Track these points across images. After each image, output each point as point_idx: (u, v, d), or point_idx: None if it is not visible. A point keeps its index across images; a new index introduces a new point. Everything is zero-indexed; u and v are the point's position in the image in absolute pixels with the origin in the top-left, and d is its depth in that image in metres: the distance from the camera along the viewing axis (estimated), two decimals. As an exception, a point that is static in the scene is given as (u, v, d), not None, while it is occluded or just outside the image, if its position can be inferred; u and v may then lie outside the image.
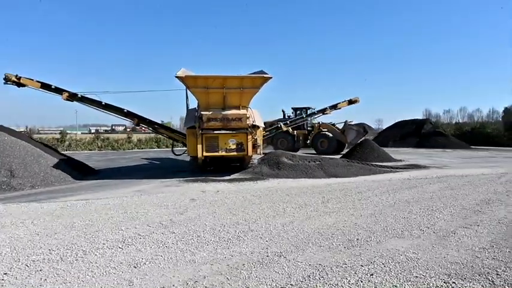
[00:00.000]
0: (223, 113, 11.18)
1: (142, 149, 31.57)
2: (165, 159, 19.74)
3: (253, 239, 5.12)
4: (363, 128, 21.66)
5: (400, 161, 16.56)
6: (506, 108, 40.57)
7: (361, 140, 19.63)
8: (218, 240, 5.08)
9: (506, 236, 5.22)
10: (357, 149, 16.85)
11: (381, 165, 13.18)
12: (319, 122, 23.21)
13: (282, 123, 16.87)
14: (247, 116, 11.19)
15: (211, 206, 7.29)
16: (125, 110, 12.63)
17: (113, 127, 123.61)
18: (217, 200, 7.88)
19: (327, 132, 22.39)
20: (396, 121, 34.49)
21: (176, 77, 10.77)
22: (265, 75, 11.13)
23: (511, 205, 7.11)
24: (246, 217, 6.34)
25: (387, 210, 6.77)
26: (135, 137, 34.99)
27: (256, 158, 12.78)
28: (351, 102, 17.27)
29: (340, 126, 22.55)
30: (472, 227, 5.66)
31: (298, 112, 23.24)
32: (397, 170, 12.87)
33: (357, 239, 5.09)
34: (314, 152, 22.27)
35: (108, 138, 33.36)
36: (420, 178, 10.93)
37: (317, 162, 12.08)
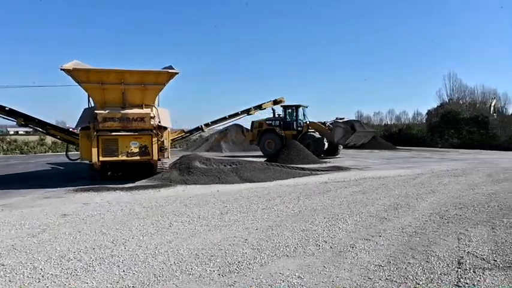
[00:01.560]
0: (123, 112, 9.88)
1: (57, 152, 28.52)
2: (76, 164, 17.68)
3: (107, 269, 4.04)
4: (350, 126, 19.18)
5: (326, 162, 16.38)
6: (429, 111, 43.46)
7: (348, 138, 18.59)
8: (58, 273, 3.93)
9: (406, 248, 4.71)
10: (282, 151, 16.38)
11: (303, 168, 12.74)
12: (306, 122, 21.11)
13: (203, 124, 15.81)
14: (152, 115, 10.01)
15: (82, 223, 6.05)
16: (7, 108, 10.74)
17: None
18: (95, 214, 6.64)
19: (313, 133, 20.22)
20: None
21: (62, 69, 9.26)
22: (170, 71, 10.05)
23: (418, 210, 6.79)
24: (117, 237, 5.22)
25: (288, 221, 6.06)
26: (49, 139, 31.62)
27: (168, 162, 11.62)
28: (276, 102, 16.76)
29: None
30: (373, 238, 5.11)
31: (289, 111, 21.23)
32: (318, 172, 12.49)
33: (238, 262, 4.24)
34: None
35: (15, 141, 29.73)
36: (338, 181, 10.55)
37: (233, 166, 11.24)
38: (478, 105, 41.01)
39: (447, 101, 42.74)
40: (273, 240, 5.07)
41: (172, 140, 14.56)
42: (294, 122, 21.00)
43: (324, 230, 5.54)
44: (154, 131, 10.10)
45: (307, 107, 21.98)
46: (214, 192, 8.93)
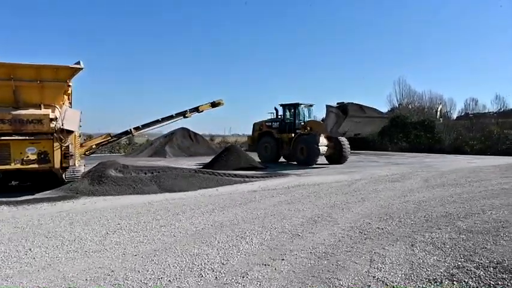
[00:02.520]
0: (15, 113, 8.47)
1: None
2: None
3: None
4: (342, 110, 14.74)
5: (266, 168, 15.59)
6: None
7: (341, 125, 14.62)
8: None
9: (308, 275, 3.92)
10: (221, 156, 15.42)
11: (236, 175, 11.82)
12: (304, 122, 18.15)
13: (132, 128, 14.50)
14: (52, 117, 8.67)
15: None
16: None
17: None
18: None
19: (308, 135, 17.06)
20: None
21: None
22: (71, 66, 8.78)
23: (339, 223, 6.05)
24: None
25: (182, 243, 5.08)
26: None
27: (82, 170, 10.27)
28: (214, 104, 15.74)
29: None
30: (273, 263, 4.26)
31: (288, 110, 18.83)
32: (253, 179, 11.64)
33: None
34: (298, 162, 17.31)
35: None
36: (268, 189, 9.75)
37: (154, 174, 10.11)
38: (426, 110, 42.36)
39: (397, 105, 43.81)
40: (148, 270, 4.07)
41: (97, 144, 13.19)
42: (292, 123, 18.49)
43: (218, 254, 4.62)
44: (55, 135, 8.76)
45: (311, 106, 19.26)
46: (118, 205, 7.76)
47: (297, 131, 17.92)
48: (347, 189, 9.59)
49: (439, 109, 40.77)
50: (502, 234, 4.96)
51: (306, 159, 16.78)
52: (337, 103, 15.14)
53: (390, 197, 8.42)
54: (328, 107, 15.12)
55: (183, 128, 26.91)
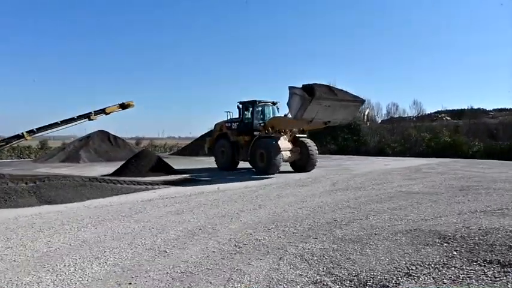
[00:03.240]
0: None
1: None
2: None
3: None
4: (307, 91, 12.15)
5: (184, 173, 14.95)
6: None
7: (306, 109, 12.05)
8: None
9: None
10: (131, 162, 14.48)
11: (138, 182, 11.04)
12: (263, 122, 15.81)
13: (25, 131, 13.03)
14: None
15: None
16: None
17: None
18: None
19: (269, 138, 14.64)
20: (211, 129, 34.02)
21: None
22: None
23: (218, 236, 5.67)
24: None
25: (15, 270, 4.33)
26: None
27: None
28: (123, 106, 14.72)
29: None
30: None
31: (245, 109, 16.49)
32: (155, 187, 10.95)
33: None
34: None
35: None
36: (166, 197, 9.16)
37: (37, 184, 9.02)
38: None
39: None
40: None
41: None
42: (250, 123, 16.16)
43: (54, 281, 3.97)
44: None
45: (275, 104, 16.88)
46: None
47: (256, 132, 15.61)
48: (250, 196, 9.30)
49: (366, 113, 42.88)
50: (370, 243, 4.88)
51: (265, 167, 14.27)
52: (303, 85, 12.56)
53: (289, 203, 8.26)
54: (291, 88, 12.74)
55: (101, 131, 25.25)
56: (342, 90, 13.36)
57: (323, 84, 12.89)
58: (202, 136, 33.38)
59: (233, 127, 16.73)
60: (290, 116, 13.84)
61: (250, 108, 16.43)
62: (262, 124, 15.85)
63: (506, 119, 40.98)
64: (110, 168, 16.52)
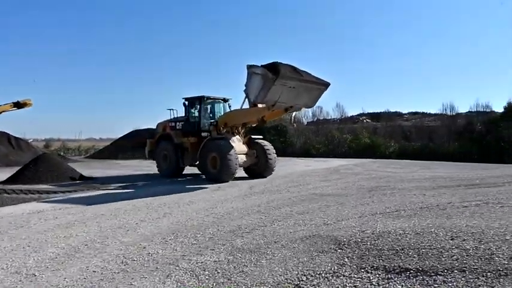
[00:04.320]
0: None
1: None
2: None
3: None
4: (270, 69, 10.61)
5: (92, 179, 13.84)
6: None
7: (270, 90, 10.57)
8: None
9: None
10: (29, 167, 13.04)
11: (30, 190, 9.91)
12: (214, 121, 14.09)
13: None
14: None
15: None
16: None
17: None
18: None
19: (220, 140, 13.07)
20: (133, 130, 32.46)
21: None
22: None
23: (105, 251, 5.12)
24: None
25: None
26: None
27: None
28: (19, 105, 13.20)
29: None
30: None
31: (196, 106, 14.87)
32: (52, 195, 9.90)
33: None
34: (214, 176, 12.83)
35: None
36: (60, 208, 8.27)
37: None
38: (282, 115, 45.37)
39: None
40: None
41: None
42: (197, 123, 14.64)
43: None
44: None
45: (227, 101, 15.34)
46: None
47: (204, 133, 14.18)
48: (158, 203, 8.77)
49: (293, 115, 44.11)
50: (268, 252, 4.71)
51: (218, 173, 12.61)
52: (262, 65, 10.95)
53: (198, 210, 7.89)
54: (250, 67, 11.05)
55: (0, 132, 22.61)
56: (305, 71, 11.73)
57: (287, 64, 11.24)
58: (122, 137, 31.68)
59: (177, 127, 15.09)
60: (250, 100, 11.91)
61: (198, 106, 14.84)
62: (212, 123, 14.17)
63: (418, 122, 44.98)
64: (7, 174, 14.77)
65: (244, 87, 11.38)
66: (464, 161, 26.03)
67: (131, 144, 28.78)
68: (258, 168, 14.03)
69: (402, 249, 4.09)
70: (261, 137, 14.99)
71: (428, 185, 10.26)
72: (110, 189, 11.38)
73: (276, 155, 14.34)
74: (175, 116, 15.27)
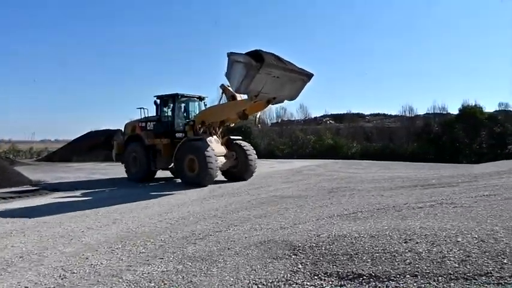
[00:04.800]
0: None
1: None
2: None
3: None
4: (256, 58, 9.73)
5: (38, 183, 13.02)
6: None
7: (254, 78, 9.69)
8: None
9: None
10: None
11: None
12: (191, 121, 13.23)
13: None
14: None
15: None
16: None
17: None
18: None
19: (199, 141, 12.19)
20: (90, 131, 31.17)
21: None
22: None
23: (37, 268, 4.68)
24: None
25: None
26: None
27: None
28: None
29: None
30: None
31: (164, 105, 13.97)
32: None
33: None
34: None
35: None
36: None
37: None
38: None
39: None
40: None
41: None
42: (170, 123, 13.71)
43: None
44: None
45: (203, 100, 14.53)
46: None
47: (179, 134, 13.35)
48: (108, 210, 8.32)
49: (257, 116, 44.15)
50: (220, 260, 4.49)
51: (197, 176, 11.79)
52: (246, 53, 10.00)
53: (151, 215, 7.54)
54: (232, 55, 10.12)
55: None
56: (288, 61, 10.95)
57: (269, 52, 10.31)
58: (77, 139, 30.35)
59: (149, 127, 14.00)
60: (230, 90, 11.16)
61: (171, 104, 13.88)
62: (189, 123, 13.28)
63: (379, 123, 46.39)
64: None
65: (226, 76, 10.43)
66: (423, 161, 27.06)
67: (86, 146, 27.63)
68: (237, 170, 13.27)
69: (356, 254, 4.00)
70: (239, 137, 14.29)
71: (387, 185, 10.44)
72: (58, 196, 10.73)
73: (256, 156, 13.66)
74: (146, 115, 14.20)
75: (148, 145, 13.36)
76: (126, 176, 14.27)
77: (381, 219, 5.48)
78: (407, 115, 40.20)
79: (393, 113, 48.25)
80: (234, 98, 12.11)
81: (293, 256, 4.30)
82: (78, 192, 11.11)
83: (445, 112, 39.26)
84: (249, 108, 12.00)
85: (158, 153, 13.30)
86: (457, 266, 3.38)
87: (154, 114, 14.16)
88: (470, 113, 33.49)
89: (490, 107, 37.69)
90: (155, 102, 14.10)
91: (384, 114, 52.85)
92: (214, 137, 13.25)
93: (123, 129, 15.49)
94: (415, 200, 7.01)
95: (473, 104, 34.47)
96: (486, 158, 27.83)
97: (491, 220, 4.54)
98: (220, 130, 13.93)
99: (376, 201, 7.47)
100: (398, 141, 36.01)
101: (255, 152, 13.63)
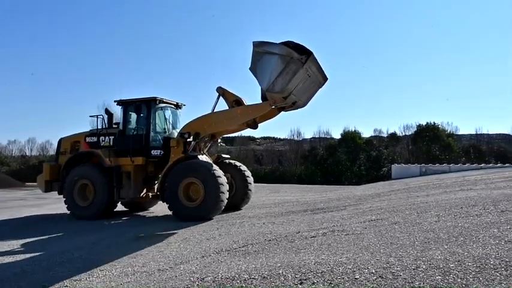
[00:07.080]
0: None
1: None
2: None
3: None
4: (297, 49, 8.23)
5: None
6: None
7: (296, 74, 8.11)
8: None
9: None
10: None
11: None
12: (184, 133, 10.09)
13: None
14: None
15: None
16: None
17: None
18: None
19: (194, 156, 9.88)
20: None
21: None
22: None
23: None
24: None
25: None
26: None
27: None
28: None
29: None
30: None
31: (141, 113, 10.93)
32: None
33: None
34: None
35: None
36: None
37: None
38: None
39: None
40: None
41: None
42: (144, 136, 10.69)
43: None
44: None
45: (180, 108, 12.01)
46: None
47: (155, 151, 10.58)
48: None
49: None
50: None
51: (201, 206, 9.21)
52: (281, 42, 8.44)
53: None
54: (261, 44, 8.47)
55: None
56: None
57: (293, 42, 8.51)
58: None
59: (102, 143, 10.98)
60: (263, 88, 8.83)
61: (145, 112, 10.94)
62: (183, 135, 10.16)
63: (269, 146, 48.15)
64: None
65: (251, 71, 8.75)
66: (310, 183, 28.52)
67: None
68: (233, 197, 10.68)
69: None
70: (228, 156, 12.18)
71: (277, 210, 10.30)
72: None
73: (253, 180, 11.59)
74: (104, 125, 11.11)
75: (108, 167, 10.41)
76: (69, 212, 10.92)
77: (273, 253, 5.05)
78: (296, 139, 42.67)
79: (282, 137, 50.77)
80: (238, 103, 10.24)
81: (169, 311, 3.54)
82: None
83: (329, 136, 42.65)
84: (260, 116, 9.93)
85: (125, 177, 10.40)
86: (358, 311, 3.04)
87: (105, 126, 11.11)
88: (350, 138, 36.95)
89: (366, 133, 41.98)
90: (107, 111, 11.53)
91: (274, 137, 55.31)
92: (204, 155, 10.91)
93: (56, 148, 12.18)
94: (307, 228, 6.83)
95: (353, 130, 38.19)
96: (365, 180, 30.67)
97: (384, 249, 4.43)
98: (208, 145, 11.60)
99: (267, 230, 7.10)
100: (287, 163, 37.70)
101: (250, 174, 11.63)
